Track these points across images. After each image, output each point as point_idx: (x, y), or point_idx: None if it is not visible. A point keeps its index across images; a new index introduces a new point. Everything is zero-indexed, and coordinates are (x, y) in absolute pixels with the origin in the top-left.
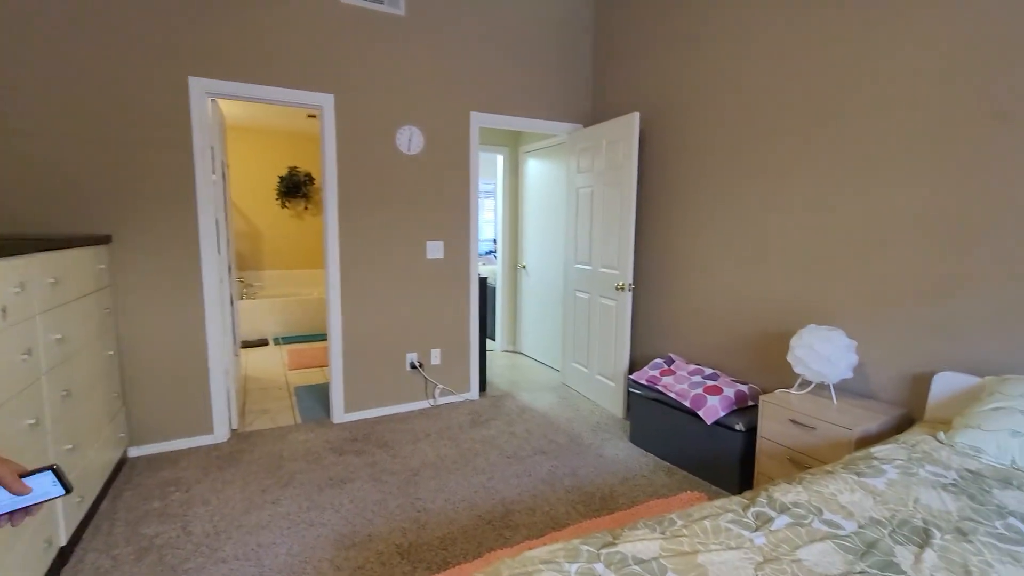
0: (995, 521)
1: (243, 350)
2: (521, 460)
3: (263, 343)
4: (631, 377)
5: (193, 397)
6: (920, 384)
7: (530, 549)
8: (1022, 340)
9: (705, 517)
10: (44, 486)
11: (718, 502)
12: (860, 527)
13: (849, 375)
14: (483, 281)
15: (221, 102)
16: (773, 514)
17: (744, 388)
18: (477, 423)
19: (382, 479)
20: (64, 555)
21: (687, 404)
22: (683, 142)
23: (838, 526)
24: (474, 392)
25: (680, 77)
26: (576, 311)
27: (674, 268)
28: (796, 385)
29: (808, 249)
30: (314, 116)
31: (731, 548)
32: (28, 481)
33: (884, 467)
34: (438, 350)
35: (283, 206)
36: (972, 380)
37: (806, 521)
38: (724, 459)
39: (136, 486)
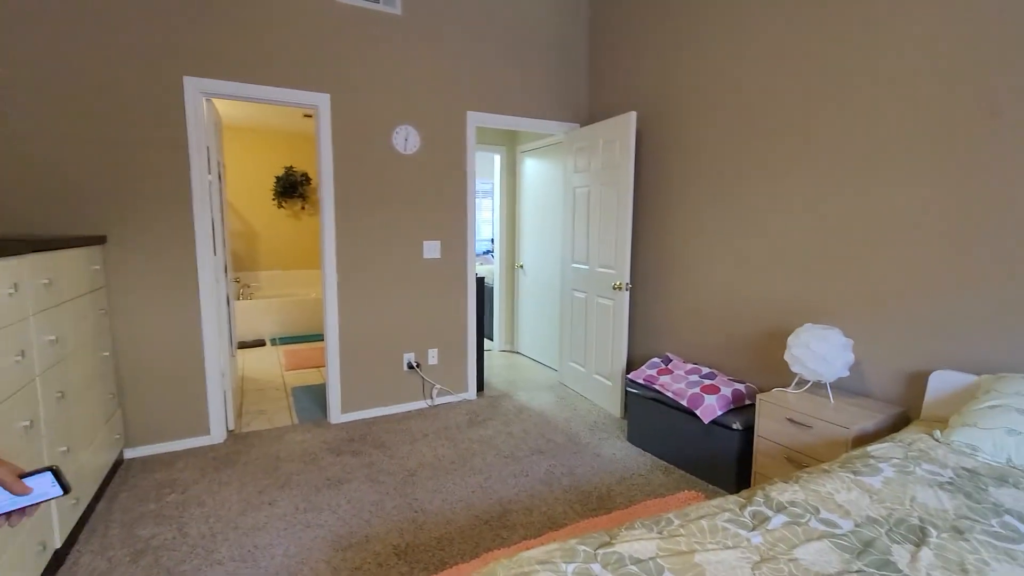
0: (991, 519)
1: (240, 351)
2: (518, 460)
3: (260, 344)
4: (628, 376)
5: (189, 398)
6: (916, 382)
7: (527, 549)
8: (1019, 338)
9: (702, 516)
10: (43, 487)
11: (715, 501)
12: (857, 526)
13: (846, 374)
14: (480, 281)
15: (217, 102)
16: (770, 513)
17: (741, 387)
18: (474, 423)
19: (379, 480)
20: (59, 558)
21: (684, 403)
22: (681, 141)
23: (835, 525)
24: (471, 392)
25: (678, 76)
26: (573, 311)
27: (671, 267)
28: (793, 384)
29: (807, 248)
30: (310, 116)
31: (728, 547)
32: (27, 482)
33: (881, 466)
34: (435, 350)
35: (279, 206)
36: (968, 378)
37: (803, 520)
38: (721, 458)
39: (132, 488)
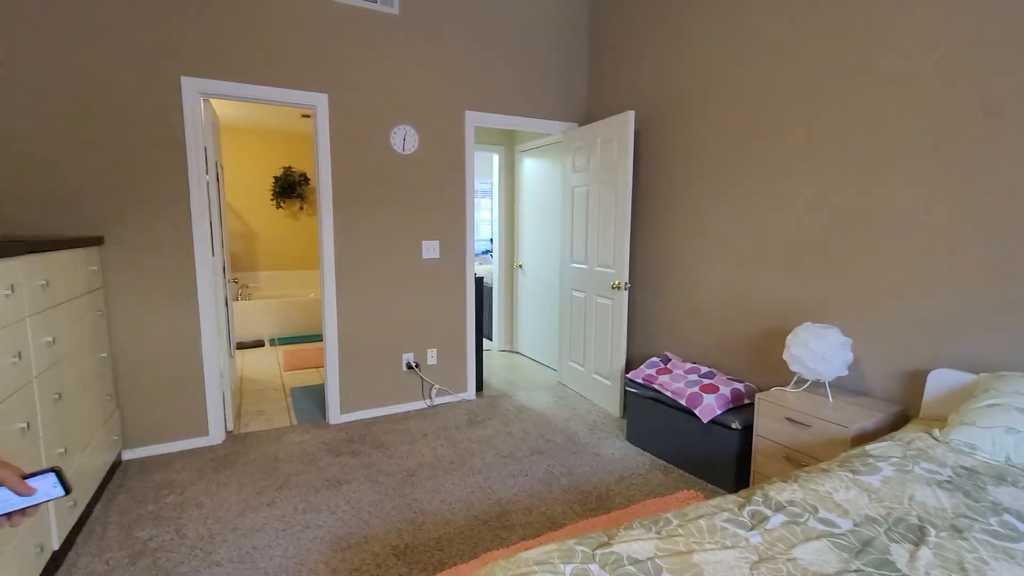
0: (990, 518)
1: (238, 351)
2: (518, 460)
3: (258, 344)
4: (628, 376)
5: (188, 399)
6: (915, 381)
7: (526, 550)
8: (1018, 338)
9: (701, 516)
10: (45, 487)
11: (714, 501)
12: (855, 525)
13: (844, 373)
14: (479, 281)
15: (215, 102)
16: (769, 513)
17: (740, 386)
18: (474, 423)
19: (378, 480)
20: (57, 560)
21: (683, 403)
22: (682, 141)
23: (834, 524)
24: (471, 392)
25: (679, 76)
26: (573, 310)
27: (670, 267)
28: (792, 383)
29: (807, 248)
30: (308, 116)
31: (727, 547)
32: (30, 483)
33: (879, 464)
34: (434, 350)
35: (278, 206)
36: (967, 377)
37: (802, 519)
38: (720, 457)
39: (130, 489)
